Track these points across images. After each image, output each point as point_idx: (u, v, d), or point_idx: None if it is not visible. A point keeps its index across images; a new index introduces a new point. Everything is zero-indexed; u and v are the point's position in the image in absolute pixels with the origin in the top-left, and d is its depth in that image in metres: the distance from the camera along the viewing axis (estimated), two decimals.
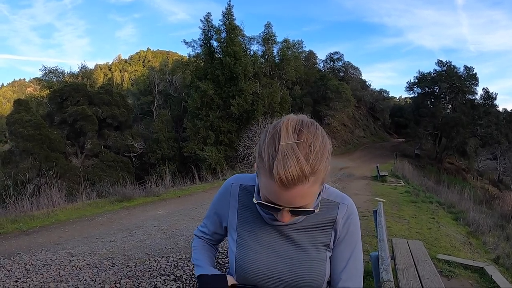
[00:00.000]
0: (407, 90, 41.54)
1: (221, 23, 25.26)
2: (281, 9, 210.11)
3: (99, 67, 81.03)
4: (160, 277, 3.93)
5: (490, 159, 36.77)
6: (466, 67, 37.60)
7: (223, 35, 24.99)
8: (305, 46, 43.72)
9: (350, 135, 42.32)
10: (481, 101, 37.44)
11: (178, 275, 3.99)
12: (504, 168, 36.20)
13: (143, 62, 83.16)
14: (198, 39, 26.49)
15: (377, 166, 18.10)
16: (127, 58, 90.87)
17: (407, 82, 40.98)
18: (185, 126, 25.16)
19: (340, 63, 49.04)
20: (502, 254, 6.22)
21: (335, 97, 36.05)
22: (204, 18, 25.43)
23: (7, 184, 11.60)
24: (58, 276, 3.87)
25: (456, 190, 14.14)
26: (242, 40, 26.58)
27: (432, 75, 38.46)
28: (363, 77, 57.81)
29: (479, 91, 37.79)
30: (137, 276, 3.96)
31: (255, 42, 31.62)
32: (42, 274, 3.89)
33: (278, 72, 31.46)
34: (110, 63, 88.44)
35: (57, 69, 34.35)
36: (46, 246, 4.87)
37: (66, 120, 25.32)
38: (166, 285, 3.74)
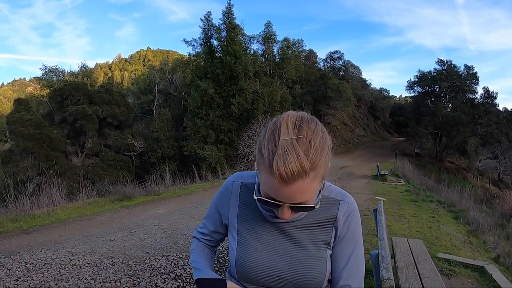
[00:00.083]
0: (407, 89, 41.65)
1: (221, 22, 25.30)
2: (281, 8, 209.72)
3: (99, 66, 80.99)
4: (161, 276, 3.93)
5: (490, 158, 36.75)
6: (466, 66, 37.64)
7: (223, 34, 24.99)
8: (305, 45, 43.87)
9: (350, 134, 42.31)
10: (481, 100, 37.44)
11: (178, 273, 3.99)
12: (505, 167, 36.17)
13: (143, 61, 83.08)
14: (198, 38, 26.54)
15: (378, 165, 18.10)
16: (127, 57, 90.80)
17: (407, 81, 41.07)
18: (185, 125, 25.16)
19: (340, 62, 49.06)
20: (502, 253, 6.21)
21: (335, 96, 36.04)
22: (204, 17, 25.46)
23: (7, 183, 11.60)
24: (59, 275, 3.87)
25: (456, 189, 14.12)
26: (242, 39, 26.57)
27: (432, 74, 38.44)
28: (363, 76, 57.82)
29: (480, 90, 37.88)
30: (138, 274, 3.96)
31: (255, 41, 31.65)
32: (43, 273, 3.89)
33: (278, 71, 31.46)
34: (110, 62, 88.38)
35: (57, 68, 34.44)
36: (46, 245, 4.88)
37: (66, 119, 25.33)
38: (167, 284, 3.74)
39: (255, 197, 0.94)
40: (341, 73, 48.45)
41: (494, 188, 31.51)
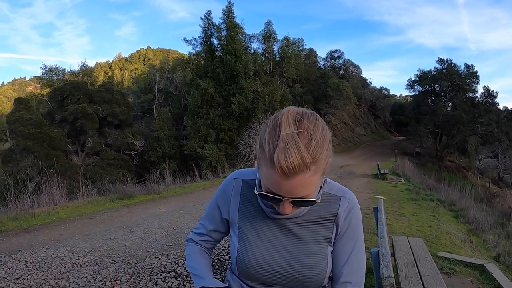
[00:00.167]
0: (407, 88, 41.59)
1: (221, 21, 25.27)
2: (281, 7, 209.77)
3: (100, 65, 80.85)
4: (161, 274, 3.93)
5: (490, 157, 36.71)
6: (466, 65, 37.62)
7: (224, 33, 24.97)
8: (305, 44, 43.73)
9: (350, 133, 42.31)
10: (481, 99, 37.42)
11: (178, 272, 4.00)
12: (505, 166, 36.15)
13: (144, 60, 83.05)
14: (199, 37, 26.53)
15: (378, 164, 18.09)
16: (127, 56, 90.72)
17: (407, 80, 40.95)
18: (186, 124, 25.16)
19: (341, 61, 49.07)
20: (502, 252, 6.21)
21: (335, 95, 36.03)
22: (205, 16, 25.45)
23: (7, 183, 11.62)
24: (59, 273, 3.87)
25: (456, 188, 14.12)
26: (242, 38, 26.56)
27: (432, 73, 38.44)
28: (364, 75, 57.93)
29: (480, 89, 37.83)
30: (138, 273, 3.96)
31: (256, 40, 31.64)
32: (43, 271, 3.90)
33: (278, 70, 31.44)
34: (110, 62, 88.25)
35: (57, 68, 34.42)
36: (46, 244, 4.88)
37: (66, 119, 25.31)
38: (167, 282, 3.75)
39: (256, 192, 0.93)
40: (342, 72, 48.44)
41: (494, 187, 31.51)
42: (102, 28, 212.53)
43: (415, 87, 40.21)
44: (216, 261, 4.45)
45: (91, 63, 77.90)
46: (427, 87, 39.10)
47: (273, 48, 32.02)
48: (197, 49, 27.65)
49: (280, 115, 0.87)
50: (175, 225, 6.16)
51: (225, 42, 24.43)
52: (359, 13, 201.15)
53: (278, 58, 31.92)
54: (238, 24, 25.48)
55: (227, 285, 1.05)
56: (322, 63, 49.04)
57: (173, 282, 3.75)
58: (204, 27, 25.51)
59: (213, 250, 4.76)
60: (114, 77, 66.16)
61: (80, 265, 4.12)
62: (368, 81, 57.97)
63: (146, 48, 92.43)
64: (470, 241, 6.73)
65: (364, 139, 44.04)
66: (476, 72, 37.12)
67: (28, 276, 3.75)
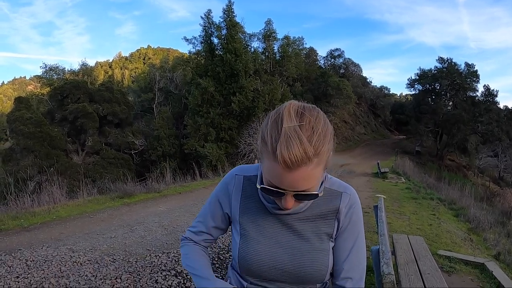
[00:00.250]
0: (408, 87, 41.54)
1: (221, 20, 25.24)
2: (281, 6, 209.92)
3: (100, 64, 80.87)
4: (161, 273, 3.93)
5: (491, 156, 36.71)
6: (467, 64, 37.58)
7: (224, 32, 24.95)
8: (305, 43, 43.69)
9: (351, 132, 42.31)
10: (482, 98, 37.37)
11: (179, 270, 3.99)
12: (505, 165, 36.14)
13: (144, 59, 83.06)
14: (199, 36, 26.52)
15: (378, 163, 18.09)
16: (127, 55, 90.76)
17: (408, 79, 40.90)
18: (186, 123, 25.15)
19: (341, 60, 49.00)
20: (503, 250, 6.21)
21: (335, 94, 36.01)
22: (205, 15, 25.41)
23: (8, 182, 11.62)
24: (59, 271, 3.87)
25: (456, 187, 14.13)
26: (242, 37, 26.53)
27: (433, 72, 38.39)
28: (364, 74, 57.81)
29: (480, 88, 37.79)
30: (138, 271, 3.96)
31: (256, 39, 31.61)
32: (43, 270, 3.90)
33: (278, 69, 31.40)
34: (110, 61, 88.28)
35: (57, 67, 34.41)
36: (47, 242, 4.88)
37: (66, 118, 25.30)
38: (167, 281, 3.75)
39: (258, 186, 0.93)
40: (342, 71, 48.40)
41: (494, 186, 31.53)
42: (102, 27, 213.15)
43: (416, 86, 40.19)
44: (216, 259, 4.45)
45: (91, 62, 78.03)
46: (428, 86, 39.05)
47: (273, 47, 31.99)
48: (197, 48, 27.69)
49: (281, 108, 0.86)
50: (175, 223, 6.17)
51: (225, 41, 24.41)
52: (359, 11, 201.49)
53: (278, 57, 31.89)
54: (238, 23, 25.48)
55: (234, 286, 1.04)
56: (322, 62, 49.04)
57: (173, 281, 3.75)
58: (204, 26, 25.50)
59: (214, 249, 4.76)
60: (114, 76, 66.17)
61: (81, 264, 4.12)
62: (368, 80, 58.06)
63: (146, 47, 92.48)
64: (470, 240, 6.72)
65: (364, 138, 44.04)
66: (476, 71, 37.13)
67: (29, 275, 3.75)
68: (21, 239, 5.03)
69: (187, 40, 28.45)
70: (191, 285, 3.64)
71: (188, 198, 8.99)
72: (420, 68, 40.08)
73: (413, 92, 42.21)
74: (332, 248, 1.04)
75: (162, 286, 3.62)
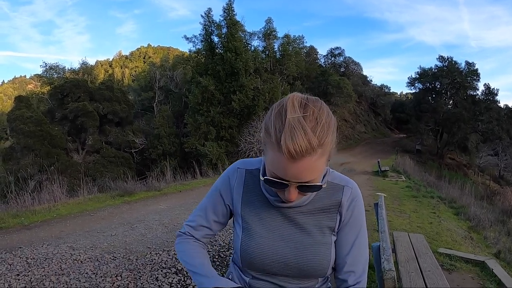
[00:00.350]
0: (408, 86, 41.37)
1: (221, 19, 25.15)
2: (281, 4, 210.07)
3: (100, 63, 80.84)
4: (161, 270, 3.94)
5: (491, 155, 36.68)
6: (467, 63, 37.44)
7: (224, 30, 24.88)
8: (306, 42, 43.70)
9: (351, 131, 42.27)
10: (482, 96, 37.27)
11: (179, 268, 4.00)
12: (505, 164, 36.10)
13: (144, 58, 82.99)
14: (199, 34, 26.39)
15: (378, 161, 18.07)
16: (127, 54, 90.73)
17: (408, 78, 40.77)
18: (186, 122, 25.11)
19: (341, 59, 48.85)
20: (503, 248, 6.22)
21: (336, 93, 35.96)
22: (205, 13, 25.33)
23: (8, 180, 11.61)
24: (60, 269, 3.88)
25: (457, 186, 14.14)
26: (243, 35, 26.43)
27: (433, 70, 38.27)
28: (364, 72, 57.66)
29: (481, 87, 37.64)
30: (138, 269, 3.97)
31: (256, 38, 31.45)
32: (44, 267, 3.90)
33: (279, 67, 31.31)
34: (110, 59, 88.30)
35: (57, 66, 34.32)
36: (47, 240, 4.89)
37: (67, 116, 25.29)
38: (167, 278, 3.75)
39: (261, 178, 0.93)
40: (342, 69, 48.28)
41: (494, 185, 31.52)
42: (103, 26, 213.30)
43: (416, 84, 40.05)
44: (217, 257, 4.45)
45: (91, 61, 78.12)
46: (428, 84, 38.95)
47: (274, 45, 31.89)
48: (197, 46, 27.57)
49: (285, 100, 0.87)
50: (175, 221, 6.17)
51: (226, 40, 24.35)
52: (360, 10, 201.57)
53: (279, 56, 31.80)
54: (239, 21, 25.39)
55: (239, 285, 1.02)
56: (322, 60, 48.89)
57: (173, 278, 3.75)
58: (204, 25, 25.43)
59: (214, 247, 4.77)
60: (114, 75, 66.16)
61: (81, 261, 4.13)
62: (368, 79, 57.89)
63: (146, 46, 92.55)
64: (470, 238, 6.73)
65: (364, 136, 44.00)
66: (476, 69, 37.00)
67: (29, 272, 3.76)
68: (22, 237, 5.04)
69: (187, 38, 28.37)
70: (191, 282, 3.64)
71: (188, 196, 9.00)
72: (420, 67, 39.97)
73: (414, 91, 42.10)
74: (334, 242, 1.04)
75: (163, 284, 3.63)
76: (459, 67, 37.26)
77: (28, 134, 21.44)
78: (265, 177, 0.89)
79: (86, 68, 41.59)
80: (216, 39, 25.39)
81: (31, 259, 4.12)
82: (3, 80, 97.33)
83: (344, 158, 23.78)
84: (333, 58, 48.44)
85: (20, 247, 4.52)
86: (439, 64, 38.28)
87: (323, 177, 0.96)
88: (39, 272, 3.76)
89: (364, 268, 1.04)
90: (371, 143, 39.32)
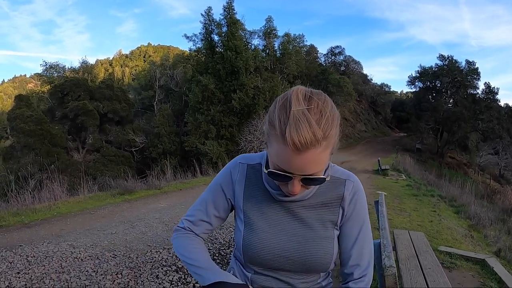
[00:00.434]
0: (408, 85, 41.33)
1: (222, 17, 25.12)
2: (281, 3, 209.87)
3: (100, 62, 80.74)
4: (162, 268, 3.94)
5: (491, 154, 36.64)
6: (467, 62, 37.35)
7: (224, 29, 24.86)
8: (306, 40, 43.56)
9: (351, 129, 42.23)
10: (482, 95, 37.22)
11: (179, 266, 4.00)
12: (506, 163, 36.08)
13: (144, 57, 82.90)
14: (199, 33, 26.33)
15: (379, 160, 18.07)
16: (128, 53, 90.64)
17: (408, 77, 40.79)
18: (186, 121, 25.09)
19: (342, 57, 48.83)
20: (503, 247, 6.22)
21: (336, 91, 35.91)
22: (205, 12, 25.29)
23: (9, 179, 11.61)
24: (60, 267, 3.88)
25: (457, 184, 14.14)
26: (243, 34, 26.41)
27: (433, 69, 38.20)
28: (365, 71, 57.67)
29: (481, 86, 37.56)
30: (139, 267, 3.97)
31: (256, 36, 31.42)
32: (44, 265, 3.90)
33: (279, 66, 31.29)
34: (111, 58, 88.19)
35: (57, 65, 34.26)
36: (48, 238, 4.89)
37: (67, 115, 25.28)
38: (168, 276, 3.75)
39: (265, 171, 0.92)
40: (342, 68, 48.25)
41: (495, 183, 31.48)
42: (103, 25, 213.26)
43: (416, 83, 40.00)
44: (217, 255, 4.45)
45: (91, 60, 77.82)
46: (428, 83, 38.90)
47: (274, 44, 31.85)
48: (197, 45, 27.51)
49: (289, 92, 0.87)
50: (176, 219, 6.17)
51: (226, 38, 24.32)
52: (360, 9, 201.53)
53: (279, 54, 31.77)
54: (239, 20, 25.35)
55: (243, 283, 1.01)
56: (322, 59, 48.83)
57: (174, 276, 3.75)
58: (204, 24, 25.39)
59: (215, 245, 4.76)
60: (114, 73, 66.06)
61: (81, 259, 4.13)
62: (369, 78, 57.81)
63: (146, 44, 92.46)
64: (471, 236, 6.73)
65: (365, 135, 43.98)
66: (477, 68, 36.93)
67: (29, 270, 3.76)
68: (22, 235, 5.04)
69: (187, 37, 28.30)
70: (191, 280, 3.64)
71: (188, 195, 8.99)
72: (420, 66, 39.86)
73: (414, 90, 42.04)
74: (338, 237, 1.04)
75: (163, 282, 3.63)
76: (460, 66, 37.22)
77: (28, 133, 21.44)
78: (269, 170, 0.89)
79: (86, 67, 41.60)
80: (216, 37, 25.38)
81: (32, 257, 4.12)
82: (3, 79, 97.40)
83: (344, 156, 23.77)
84: (333, 57, 48.40)
85: (20, 245, 4.52)
86: (439, 63, 38.24)
87: (326, 171, 0.96)
88: (40, 270, 3.77)
89: (370, 261, 1.04)
90: (371, 142, 39.30)
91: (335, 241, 1.02)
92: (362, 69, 53.95)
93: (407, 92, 64.81)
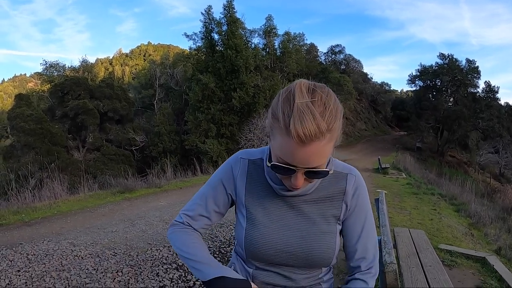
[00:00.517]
0: (408, 83, 41.37)
1: (222, 16, 25.11)
2: (282, 2, 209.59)
3: (100, 61, 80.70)
4: (162, 266, 3.94)
5: (491, 153, 36.63)
6: (468, 60, 37.33)
7: (224, 28, 24.84)
8: (306, 39, 43.50)
9: (351, 128, 42.22)
10: (483, 94, 37.22)
11: (180, 263, 4.00)
12: (506, 161, 36.06)
13: (144, 56, 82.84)
14: (199, 32, 26.31)
15: (379, 159, 18.08)
16: (128, 52, 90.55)
17: (408, 75, 40.66)
18: (187, 119, 25.10)
19: (342, 56, 48.81)
20: (503, 245, 6.22)
21: (336, 90, 35.31)
22: (205, 11, 25.27)
23: (9, 178, 11.61)
24: (60, 265, 3.88)
25: (457, 183, 14.15)
26: (243, 33, 26.38)
27: (434, 68, 38.19)
28: (365, 70, 57.64)
29: (481, 85, 37.68)
30: (139, 265, 3.97)
31: (256, 35, 31.36)
32: (44, 263, 3.90)
33: (279, 65, 31.26)
34: (111, 57, 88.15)
35: (58, 64, 34.19)
36: (48, 237, 4.89)
37: (67, 114, 25.27)
38: (168, 274, 3.75)
39: (268, 164, 0.92)
40: (342, 67, 48.21)
41: (495, 182, 31.49)
42: (103, 24, 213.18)
43: (416, 82, 40.02)
44: (217, 253, 4.45)
45: (91, 59, 77.54)
46: (428, 82, 38.89)
47: (274, 43, 31.81)
48: (197, 44, 27.49)
49: (292, 86, 0.87)
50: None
51: (226, 37, 24.31)
52: (360, 7, 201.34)
53: (279, 53, 31.73)
54: (239, 19, 25.34)
55: (245, 278, 0.99)
56: (323, 58, 48.83)
57: (174, 274, 3.75)
58: (204, 22, 25.37)
59: (215, 242, 4.76)
60: (114, 72, 66.04)
61: (82, 257, 4.13)
62: (369, 76, 57.75)
63: (146, 43, 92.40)
64: (471, 235, 6.73)
65: (365, 134, 43.96)
66: (477, 67, 36.91)
67: (30, 268, 3.76)
68: (22, 234, 5.04)
69: (187, 36, 28.30)
70: (192, 278, 3.64)
71: (189, 193, 8.98)
72: (421, 64, 39.86)
73: (414, 88, 42.10)
74: (340, 231, 1.04)
75: (163, 279, 3.63)
76: (460, 64, 37.21)
77: (28, 132, 21.43)
78: (272, 163, 0.89)
79: (86, 66, 41.55)
80: (216, 36, 25.37)
81: (32, 255, 4.12)
82: (3, 79, 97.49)
83: (344, 155, 23.76)
84: (333, 56, 48.39)
85: (20, 244, 4.52)
86: (439, 61, 38.25)
87: (328, 164, 0.95)
88: (40, 268, 3.77)
89: (375, 254, 1.05)
90: (371, 141, 39.29)
91: (337, 236, 1.02)
92: (362, 67, 53.99)
93: (407, 91, 64.89)
